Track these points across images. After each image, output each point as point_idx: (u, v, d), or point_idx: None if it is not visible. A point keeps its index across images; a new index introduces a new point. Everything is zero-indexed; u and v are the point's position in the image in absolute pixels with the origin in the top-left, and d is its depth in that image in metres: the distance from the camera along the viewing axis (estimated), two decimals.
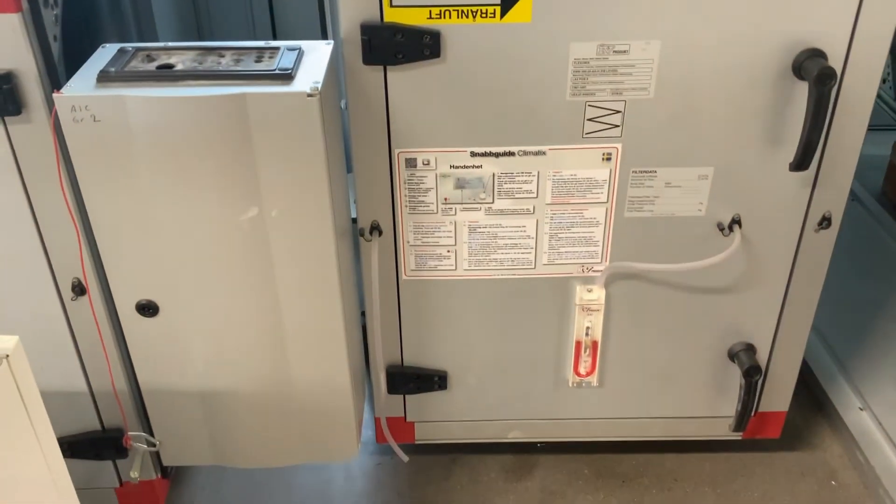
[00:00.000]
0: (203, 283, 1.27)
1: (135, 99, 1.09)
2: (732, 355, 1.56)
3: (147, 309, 1.28)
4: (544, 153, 1.33)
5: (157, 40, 1.66)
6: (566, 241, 1.42)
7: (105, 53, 1.21)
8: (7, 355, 0.89)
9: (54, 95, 1.09)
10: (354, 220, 1.42)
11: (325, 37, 1.87)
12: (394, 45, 1.22)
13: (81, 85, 1.12)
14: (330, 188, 1.20)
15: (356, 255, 1.45)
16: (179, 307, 1.29)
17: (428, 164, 1.35)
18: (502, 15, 1.20)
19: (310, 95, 1.10)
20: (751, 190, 1.36)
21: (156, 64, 1.17)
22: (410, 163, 1.35)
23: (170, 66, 1.16)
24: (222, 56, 1.20)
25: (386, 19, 1.21)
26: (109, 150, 1.13)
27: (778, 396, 1.63)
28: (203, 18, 1.92)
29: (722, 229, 1.40)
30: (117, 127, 1.11)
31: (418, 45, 1.22)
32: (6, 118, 1.14)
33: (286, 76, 1.13)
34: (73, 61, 1.19)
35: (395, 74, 1.26)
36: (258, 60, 1.18)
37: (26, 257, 1.27)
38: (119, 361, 1.39)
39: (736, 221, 1.39)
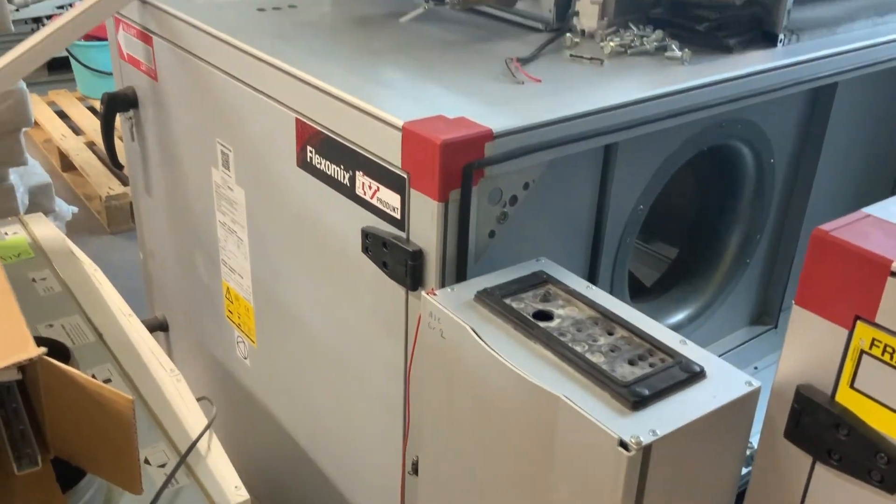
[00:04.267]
0: None
1: (473, 340, 0.94)
2: None
3: None
4: None
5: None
6: None
7: (527, 267, 1.08)
8: None
9: (423, 295, 1.02)
10: None
11: None
12: (830, 439, 0.78)
13: (458, 293, 1.02)
14: None
15: None
16: None
17: None
18: None
19: (622, 446, 0.78)
20: None
21: (539, 307, 0.99)
22: None
23: (548, 317, 0.97)
24: (610, 333, 0.94)
25: (836, 398, 0.78)
26: (443, 369, 1.01)
27: None
28: None
29: None
30: (456, 353, 0.98)
31: (865, 460, 0.75)
32: (408, 290, 1.13)
33: (635, 400, 0.82)
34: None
35: (824, 475, 0.81)
36: (634, 361, 0.89)
37: (389, 412, 1.25)
38: None
39: None
